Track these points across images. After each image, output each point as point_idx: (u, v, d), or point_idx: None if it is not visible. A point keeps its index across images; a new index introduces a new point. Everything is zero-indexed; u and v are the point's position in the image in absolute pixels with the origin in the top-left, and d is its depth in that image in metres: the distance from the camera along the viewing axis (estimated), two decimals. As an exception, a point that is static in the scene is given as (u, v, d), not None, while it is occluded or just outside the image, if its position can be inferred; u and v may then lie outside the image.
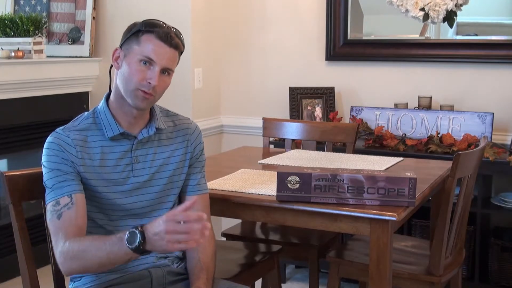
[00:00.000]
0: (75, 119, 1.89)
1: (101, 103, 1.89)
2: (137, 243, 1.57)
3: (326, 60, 3.76)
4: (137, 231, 1.58)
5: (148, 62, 1.79)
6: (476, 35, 3.48)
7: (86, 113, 1.91)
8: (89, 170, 1.82)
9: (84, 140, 1.83)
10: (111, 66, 1.91)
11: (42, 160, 1.82)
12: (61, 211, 1.76)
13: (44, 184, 1.82)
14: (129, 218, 1.88)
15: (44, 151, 1.82)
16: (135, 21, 1.86)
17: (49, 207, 1.78)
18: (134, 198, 1.88)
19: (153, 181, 1.90)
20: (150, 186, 1.89)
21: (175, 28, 1.85)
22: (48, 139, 1.83)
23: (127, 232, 1.60)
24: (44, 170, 1.81)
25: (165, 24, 1.83)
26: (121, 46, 1.85)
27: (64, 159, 1.79)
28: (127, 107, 1.84)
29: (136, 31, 1.81)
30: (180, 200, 1.98)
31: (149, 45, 1.79)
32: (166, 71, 1.82)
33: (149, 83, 1.78)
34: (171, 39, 1.80)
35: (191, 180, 1.96)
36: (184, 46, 1.87)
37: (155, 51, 1.78)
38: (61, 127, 1.86)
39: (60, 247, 1.72)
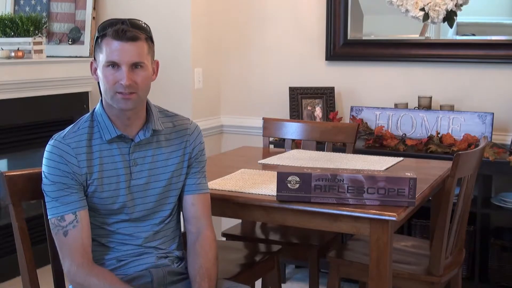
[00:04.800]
0: (74, 123, 1.88)
1: (98, 106, 1.89)
2: None
3: (326, 60, 3.76)
4: None
5: (113, 65, 1.77)
6: (474, 35, 3.48)
7: (85, 116, 1.90)
8: (89, 176, 1.82)
9: (84, 145, 1.82)
10: None
11: (43, 169, 1.82)
12: (66, 228, 1.78)
13: (43, 191, 1.82)
14: (129, 221, 1.88)
15: (45, 161, 1.81)
16: None
17: (53, 221, 1.79)
18: (133, 201, 1.87)
19: (151, 183, 1.89)
20: (148, 189, 1.89)
21: (132, 19, 1.81)
22: (48, 147, 1.82)
23: None
24: (45, 181, 1.81)
25: (119, 19, 1.80)
26: (94, 57, 1.85)
27: (66, 172, 1.79)
28: (118, 111, 1.83)
29: (96, 39, 1.81)
30: (180, 200, 1.98)
31: (108, 49, 1.77)
32: (137, 65, 1.78)
33: (122, 84, 1.76)
34: (125, 33, 1.76)
35: (190, 180, 1.95)
36: (147, 31, 1.82)
37: (114, 52, 1.76)
38: (61, 134, 1.84)
39: (66, 266, 1.79)
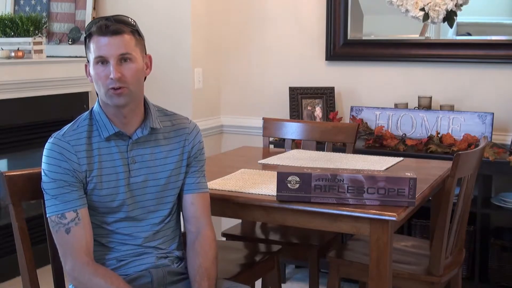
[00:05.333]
0: (73, 121, 1.88)
1: (96, 104, 1.89)
2: None
3: (326, 60, 3.76)
4: None
5: (102, 61, 1.78)
6: (470, 34, 3.48)
7: (84, 114, 1.90)
8: (90, 173, 1.82)
9: (84, 143, 1.83)
10: None
11: (43, 167, 1.81)
12: (68, 226, 1.77)
13: (43, 189, 1.82)
14: (126, 221, 1.88)
15: (45, 159, 1.81)
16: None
17: (53, 218, 1.79)
18: (133, 199, 1.87)
19: (150, 181, 1.89)
20: (147, 187, 1.89)
21: (114, 15, 1.82)
22: (48, 145, 1.82)
23: None
24: (45, 178, 1.81)
25: (103, 17, 1.82)
26: (88, 60, 1.85)
27: (66, 169, 1.79)
28: (113, 109, 1.83)
29: (84, 41, 1.83)
30: (179, 200, 1.98)
31: (94, 45, 1.78)
32: (125, 59, 1.78)
33: (111, 78, 1.77)
34: (108, 27, 1.77)
35: (189, 179, 1.95)
36: (132, 24, 1.83)
37: (100, 48, 1.77)
38: (60, 132, 1.84)
39: (69, 264, 1.78)
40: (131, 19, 1.85)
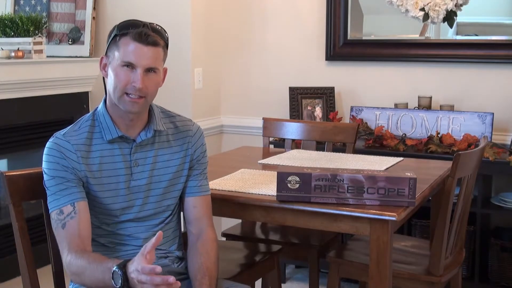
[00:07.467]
0: (75, 122, 1.88)
1: (100, 105, 1.88)
2: (120, 284, 1.59)
3: (326, 60, 3.76)
4: (119, 272, 1.58)
5: (129, 65, 1.77)
6: (476, 35, 3.48)
7: (86, 115, 1.89)
8: (90, 175, 1.81)
9: (85, 144, 1.82)
10: None
11: (43, 166, 1.81)
12: (64, 220, 1.77)
13: (45, 187, 1.82)
14: (128, 221, 1.88)
15: (45, 157, 1.81)
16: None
17: (53, 215, 1.79)
18: (134, 201, 1.87)
19: (152, 184, 1.89)
20: (150, 189, 1.88)
21: (152, 23, 1.82)
22: (48, 144, 1.82)
23: (111, 271, 1.60)
24: (45, 176, 1.81)
25: (141, 22, 1.80)
26: (106, 53, 1.84)
27: (65, 166, 1.79)
28: (122, 112, 1.83)
29: (114, 36, 1.80)
30: (181, 202, 1.98)
31: (126, 49, 1.77)
32: (151, 70, 1.80)
33: (134, 86, 1.77)
34: (147, 37, 1.77)
35: (191, 182, 1.95)
36: (166, 38, 1.84)
37: (133, 54, 1.76)
38: (61, 132, 1.84)
39: (64, 258, 1.77)
40: (165, 31, 1.85)
